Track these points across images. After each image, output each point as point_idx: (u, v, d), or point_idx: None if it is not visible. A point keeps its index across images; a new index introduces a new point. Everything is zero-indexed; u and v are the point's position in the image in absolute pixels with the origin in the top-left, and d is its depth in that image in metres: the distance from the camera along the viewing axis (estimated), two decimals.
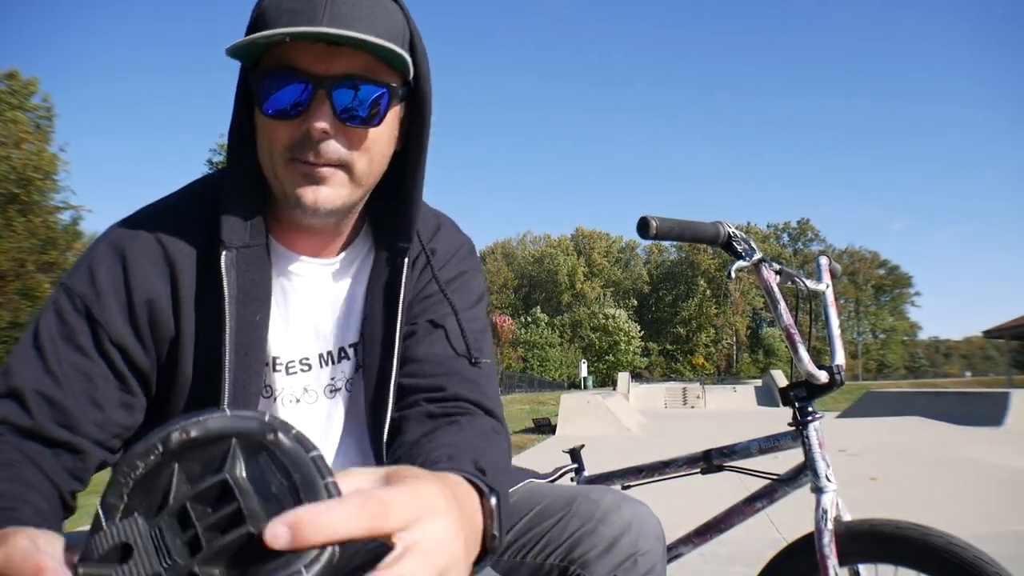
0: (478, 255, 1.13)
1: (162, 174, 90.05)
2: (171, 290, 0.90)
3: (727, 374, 48.10)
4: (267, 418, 0.41)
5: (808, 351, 1.50)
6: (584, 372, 56.63)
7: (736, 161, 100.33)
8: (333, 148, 0.86)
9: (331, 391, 1.01)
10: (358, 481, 0.47)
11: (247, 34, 0.90)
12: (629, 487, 1.64)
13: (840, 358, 1.49)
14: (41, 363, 0.83)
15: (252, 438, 0.40)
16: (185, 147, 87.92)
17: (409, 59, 0.90)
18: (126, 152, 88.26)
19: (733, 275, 1.49)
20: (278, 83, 0.87)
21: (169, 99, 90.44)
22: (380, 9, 0.90)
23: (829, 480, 1.38)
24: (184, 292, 0.90)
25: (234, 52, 0.88)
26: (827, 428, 1.58)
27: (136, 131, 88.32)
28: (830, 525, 1.34)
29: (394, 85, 0.89)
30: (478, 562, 0.59)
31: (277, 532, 0.37)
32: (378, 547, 0.44)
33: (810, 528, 1.38)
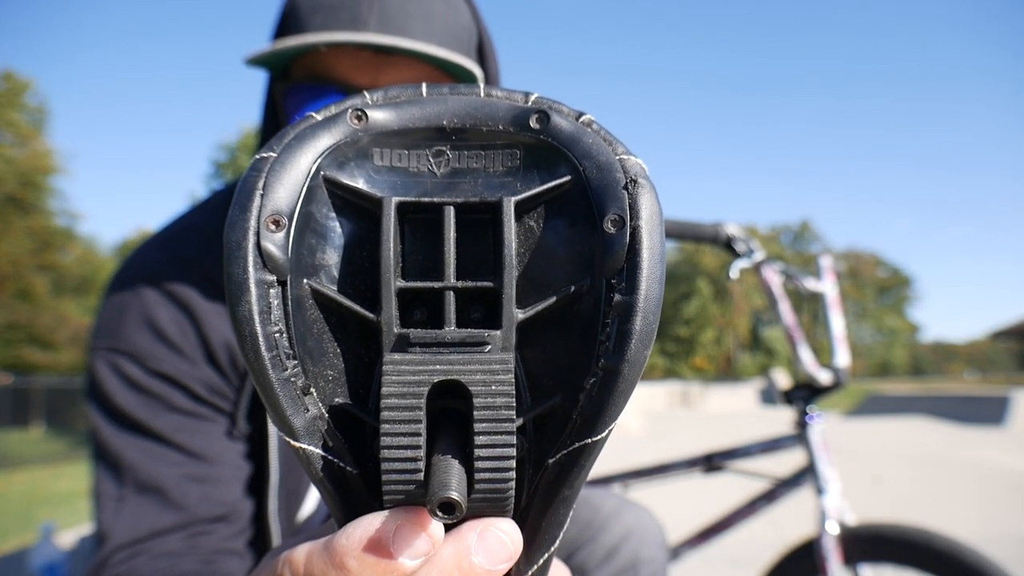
0: None
1: (160, 173, 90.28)
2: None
3: (727, 374, 48.13)
4: None
5: (810, 352, 1.50)
6: None
7: (736, 161, 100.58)
8: None
9: None
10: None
11: (275, 33, 0.80)
12: (629, 488, 1.63)
13: (843, 359, 1.48)
14: (155, 447, 0.75)
15: None
16: (183, 146, 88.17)
17: (477, 70, 0.78)
18: (121, 152, 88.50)
19: (734, 275, 1.49)
20: (310, 97, 0.75)
21: (166, 97, 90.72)
22: (441, 5, 0.77)
23: (831, 482, 1.37)
24: None
25: (257, 62, 0.77)
26: (829, 429, 1.57)
27: (131, 130, 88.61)
28: (832, 527, 1.33)
29: None
30: None
31: None
32: None
33: (812, 530, 1.37)
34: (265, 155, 0.30)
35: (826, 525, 1.33)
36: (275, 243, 0.29)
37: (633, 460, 1.70)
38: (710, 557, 3.21)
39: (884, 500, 5.06)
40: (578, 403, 0.30)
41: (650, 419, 15.49)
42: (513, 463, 0.27)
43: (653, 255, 0.29)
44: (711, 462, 1.56)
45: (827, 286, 1.57)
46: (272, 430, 0.81)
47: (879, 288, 61.91)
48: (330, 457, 0.29)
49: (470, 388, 0.28)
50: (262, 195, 0.29)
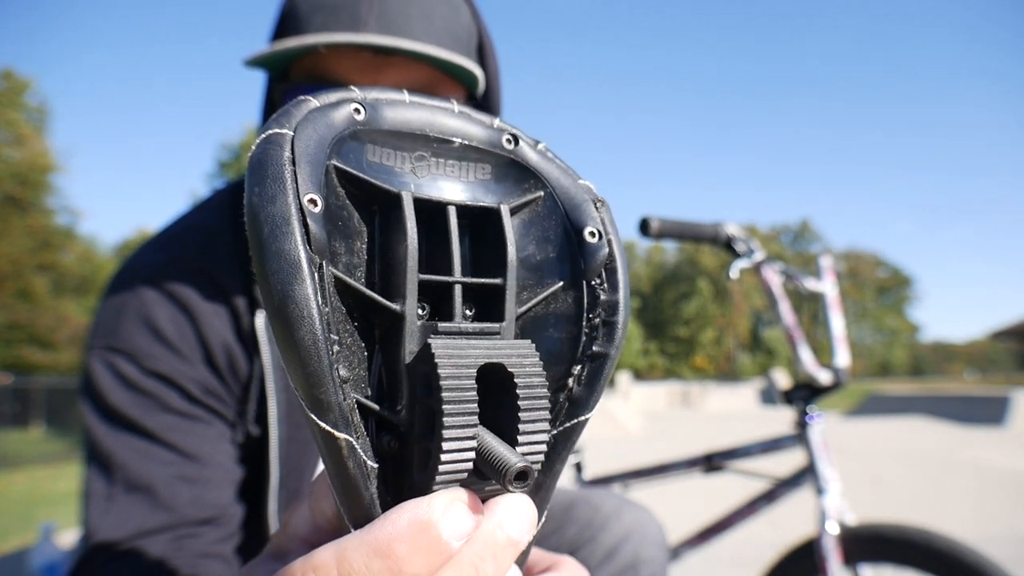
0: None
1: (161, 173, 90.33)
2: (235, 327, 0.80)
3: (727, 374, 48.11)
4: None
5: (810, 352, 1.50)
6: None
7: (736, 161, 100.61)
8: None
9: None
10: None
11: (274, 34, 0.80)
12: (629, 488, 1.63)
13: (843, 359, 1.48)
14: (147, 446, 0.75)
15: None
16: (185, 145, 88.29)
17: (478, 71, 0.78)
18: (122, 152, 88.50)
19: (734, 275, 1.49)
20: None
21: (168, 97, 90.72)
22: (442, 5, 0.77)
23: (831, 482, 1.37)
24: (246, 327, 0.80)
25: (256, 63, 0.77)
26: (829, 429, 1.58)
27: (133, 129, 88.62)
28: (832, 527, 1.33)
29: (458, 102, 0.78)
30: None
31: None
32: None
33: (812, 530, 1.37)
34: (280, 131, 0.29)
35: (826, 525, 1.33)
36: (317, 223, 0.27)
37: (633, 460, 1.70)
38: (710, 557, 3.21)
39: (884, 500, 5.06)
40: (565, 388, 0.34)
41: (650, 419, 15.48)
42: (547, 438, 0.30)
43: (624, 261, 0.35)
44: (711, 462, 1.56)
45: (827, 286, 1.57)
46: (274, 430, 0.81)
47: (879, 288, 61.88)
48: (359, 450, 0.29)
49: (511, 370, 0.29)
50: (294, 170, 0.28)
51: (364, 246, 0.32)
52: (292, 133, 0.29)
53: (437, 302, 0.32)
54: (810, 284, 1.57)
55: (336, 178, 0.31)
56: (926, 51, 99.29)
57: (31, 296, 18.48)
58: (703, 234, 1.51)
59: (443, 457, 0.27)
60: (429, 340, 0.29)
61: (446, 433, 0.27)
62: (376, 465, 0.30)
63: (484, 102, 0.85)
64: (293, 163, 0.28)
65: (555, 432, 0.33)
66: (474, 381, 0.28)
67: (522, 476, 0.27)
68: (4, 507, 6.34)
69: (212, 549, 0.74)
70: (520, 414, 0.29)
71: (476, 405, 0.28)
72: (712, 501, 3.43)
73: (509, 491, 0.27)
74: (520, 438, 0.29)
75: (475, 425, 0.28)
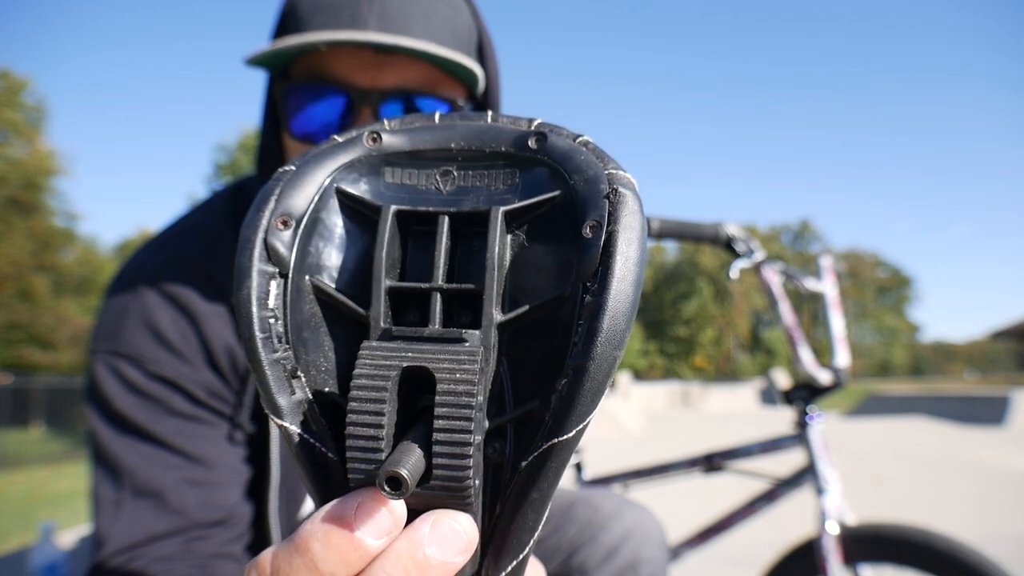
0: None
1: (160, 174, 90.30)
2: (237, 327, 0.81)
3: (727, 374, 48.11)
4: None
5: (810, 352, 1.50)
6: None
7: (736, 161, 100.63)
8: None
9: None
10: None
11: (275, 33, 0.81)
12: (629, 488, 1.63)
13: (843, 359, 1.48)
14: (154, 451, 0.75)
15: None
16: (184, 147, 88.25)
17: (478, 70, 0.78)
18: (122, 153, 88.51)
19: (734, 275, 1.49)
20: (310, 97, 0.75)
21: (167, 98, 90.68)
22: (442, 5, 0.77)
23: (831, 482, 1.37)
24: None
25: (257, 62, 0.77)
26: (829, 429, 1.58)
27: (132, 130, 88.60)
28: (832, 527, 1.33)
29: (458, 101, 0.78)
30: None
31: None
32: None
33: (812, 530, 1.37)
34: (286, 168, 0.34)
35: (826, 525, 1.33)
36: (281, 240, 0.32)
37: (633, 460, 1.69)
38: (710, 557, 3.21)
39: (884, 500, 5.06)
40: (550, 405, 0.30)
41: (650, 419, 15.48)
42: (470, 450, 0.27)
43: (626, 258, 0.30)
44: (711, 462, 1.56)
45: (827, 286, 1.57)
46: (274, 431, 0.81)
47: (879, 288, 61.88)
48: (311, 439, 0.31)
49: (435, 375, 0.28)
50: (276, 200, 0.33)
51: (367, 259, 0.34)
52: (294, 169, 0.34)
53: (425, 309, 0.33)
54: (810, 284, 1.57)
55: (339, 199, 0.35)
56: (926, 51, 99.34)
57: (31, 296, 18.47)
58: (703, 234, 1.51)
59: (347, 455, 0.28)
60: (364, 342, 0.30)
61: (348, 430, 0.28)
62: (336, 458, 0.31)
63: (484, 101, 0.85)
64: (279, 194, 0.33)
65: (534, 456, 0.30)
66: (389, 382, 0.28)
67: (393, 483, 0.26)
68: (4, 507, 6.33)
69: (222, 550, 0.74)
70: (436, 421, 0.27)
71: (385, 405, 0.28)
72: (712, 501, 3.43)
73: (385, 495, 0.26)
74: (435, 447, 0.27)
75: (380, 426, 0.27)
